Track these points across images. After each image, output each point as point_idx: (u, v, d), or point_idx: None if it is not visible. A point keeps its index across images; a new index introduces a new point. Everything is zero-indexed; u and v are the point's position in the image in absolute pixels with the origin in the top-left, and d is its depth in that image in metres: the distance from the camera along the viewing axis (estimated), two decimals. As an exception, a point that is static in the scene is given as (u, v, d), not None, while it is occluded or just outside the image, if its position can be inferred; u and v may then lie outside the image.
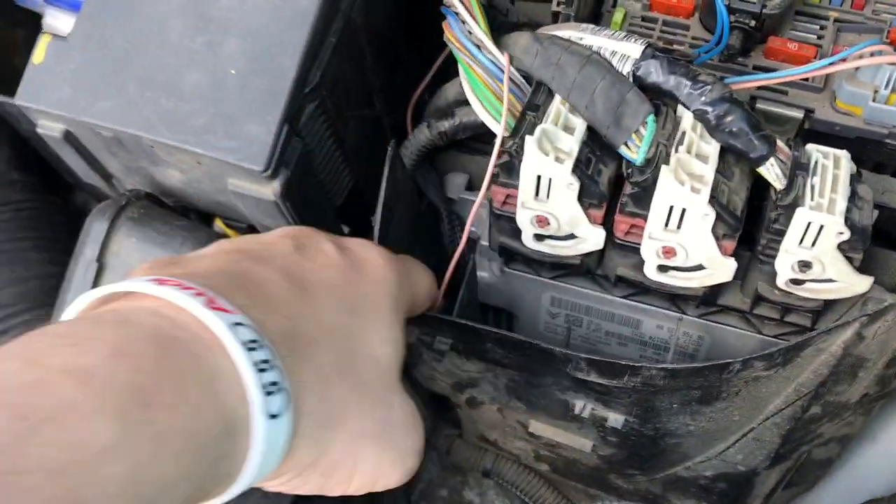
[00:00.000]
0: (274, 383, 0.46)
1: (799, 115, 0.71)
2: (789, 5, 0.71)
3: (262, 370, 0.46)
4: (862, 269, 0.68)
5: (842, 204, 0.59)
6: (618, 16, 0.76)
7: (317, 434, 0.52)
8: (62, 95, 0.63)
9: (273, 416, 0.46)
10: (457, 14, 0.67)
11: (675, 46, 0.74)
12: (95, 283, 0.65)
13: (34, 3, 0.74)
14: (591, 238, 0.66)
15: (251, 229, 0.72)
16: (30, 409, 0.37)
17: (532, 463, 0.96)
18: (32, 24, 0.73)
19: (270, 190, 0.62)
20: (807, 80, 0.70)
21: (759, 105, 0.71)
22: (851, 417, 0.77)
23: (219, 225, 0.77)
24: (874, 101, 0.67)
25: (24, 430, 0.36)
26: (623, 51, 0.63)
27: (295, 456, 0.51)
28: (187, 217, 0.71)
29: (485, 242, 0.75)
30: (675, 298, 0.70)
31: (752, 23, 0.70)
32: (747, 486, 0.85)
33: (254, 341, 0.46)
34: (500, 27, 0.76)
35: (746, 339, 0.71)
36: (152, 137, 0.61)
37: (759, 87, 0.70)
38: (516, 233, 0.68)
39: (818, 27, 0.73)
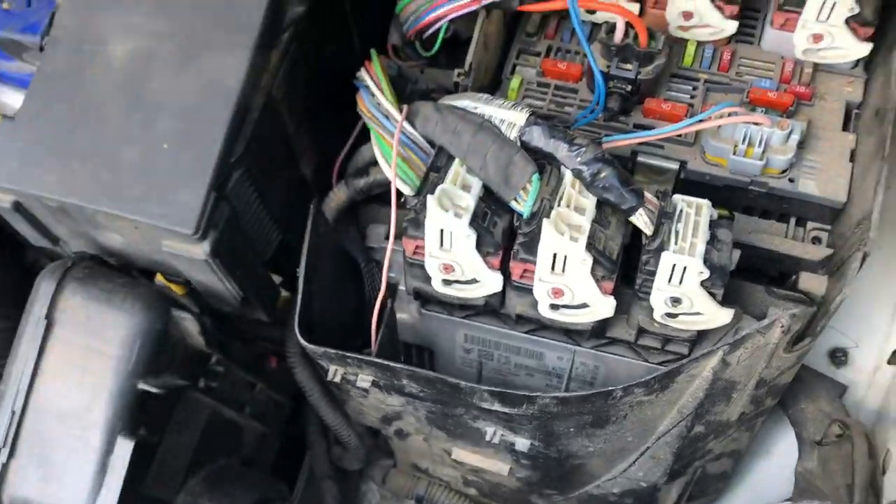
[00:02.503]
0: None
1: (674, 166, 0.80)
2: (662, 71, 0.81)
3: None
4: (731, 301, 0.77)
5: (701, 247, 0.68)
6: (515, 82, 0.85)
7: None
8: (11, 170, 0.70)
9: None
10: (367, 87, 0.76)
11: (566, 108, 0.84)
12: (45, 339, 0.72)
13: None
14: (491, 282, 0.74)
15: (189, 283, 0.80)
16: None
17: (461, 488, 1.04)
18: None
19: (201, 250, 0.69)
20: (680, 136, 0.80)
21: (640, 158, 0.81)
22: (736, 434, 0.86)
23: (160, 280, 0.84)
24: (734, 154, 0.77)
25: None
26: (510, 119, 0.72)
27: None
28: (130, 275, 0.78)
29: (403, 287, 0.83)
30: (570, 332, 0.79)
31: (629, 87, 0.80)
32: (651, 500, 0.94)
33: None
34: (410, 94, 0.85)
35: (635, 367, 0.79)
36: (94, 207, 0.68)
37: (640, 143, 0.80)
38: (428, 279, 0.76)
39: (691, 87, 0.83)
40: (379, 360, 0.74)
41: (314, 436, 1.07)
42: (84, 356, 0.71)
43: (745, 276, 0.79)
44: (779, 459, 0.99)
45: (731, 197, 0.81)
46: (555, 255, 0.70)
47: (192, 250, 0.69)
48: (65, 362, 0.72)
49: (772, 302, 0.77)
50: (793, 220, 0.81)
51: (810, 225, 0.81)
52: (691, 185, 0.81)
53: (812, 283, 0.77)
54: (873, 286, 0.96)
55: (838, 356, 0.97)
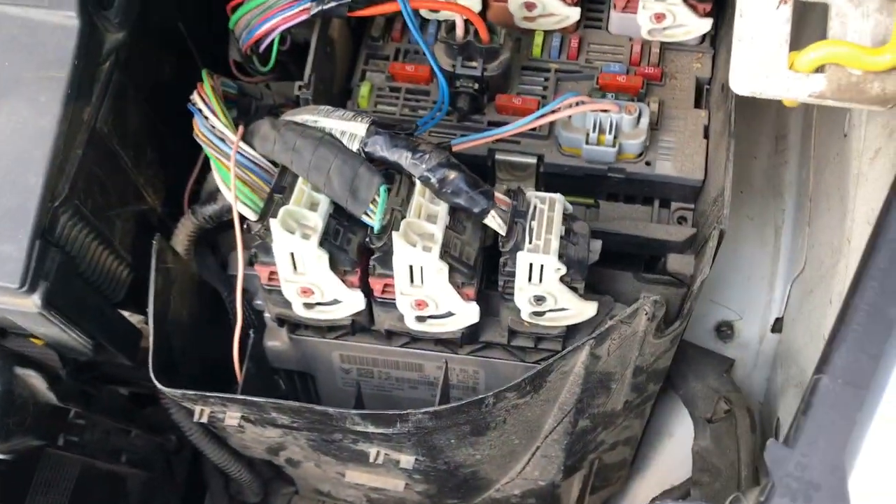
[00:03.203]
0: None
1: (532, 160, 0.79)
2: (509, 65, 0.79)
3: None
4: (602, 291, 0.76)
5: (555, 243, 0.67)
6: (364, 89, 0.82)
7: None
8: None
9: None
10: (200, 111, 0.72)
11: (419, 111, 0.81)
12: None
13: None
14: (353, 301, 0.71)
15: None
16: None
17: (366, 508, 1.01)
18: None
19: (31, 302, 0.65)
20: (534, 129, 0.78)
21: (498, 156, 0.79)
22: (626, 422, 0.85)
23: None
24: (587, 143, 0.76)
25: None
26: (352, 130, 0.69)
27: None
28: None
29: (268, 315, 0.80)
30: (443, 341, 0.76)
31: (476, 86, 0.78)
32: (553, 498, 0.92)
33: None
34: (256, 111, 0.82)
35: (513, 368, 0.77)
36: None
37: (495, 141, 0.78)
38: (289, 304, 0.73)
39: (542, 79, 0.82)
40: (241, 397, 0.71)
41: (210, 473, 1.03)
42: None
43: (621, 263, 0.78)
44: (680, 440, 0.99)
45: (592, 185, 0.80)
46: (411, 267, 0.67)
47: (23, 304, 0.65)
48: None
49: (642, 287, 0.76)
50: (656, 203, 0.81)
51: (674, 205, 0.80)
52: (552, 177, 0.80)
53: (679, 263, 0.77)
54: (750, 257, 0.96)
55: (724, 330, 0.97)
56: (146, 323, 0.86)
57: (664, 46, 0.82)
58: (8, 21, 0.67)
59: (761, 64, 0.59)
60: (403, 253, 0.66)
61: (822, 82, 0.59)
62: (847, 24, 0.59)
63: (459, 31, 0.76)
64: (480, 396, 0.69)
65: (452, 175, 0.67)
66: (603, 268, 0.75)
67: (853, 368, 0.44)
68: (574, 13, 0.80)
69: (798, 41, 0.60)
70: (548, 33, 0.83)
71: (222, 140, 0.71)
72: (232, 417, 0.74)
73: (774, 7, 0.60)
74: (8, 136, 0.65)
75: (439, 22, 0.83)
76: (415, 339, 0.77)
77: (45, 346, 0.79)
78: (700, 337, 0.97)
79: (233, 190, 0.69)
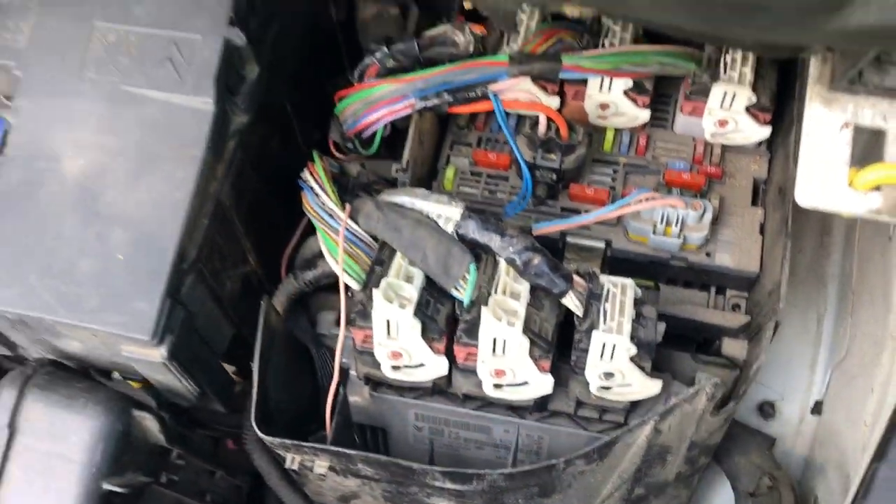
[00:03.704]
0: None
1: (601, 245, 0.86)
2: (584, 160, 0.87)
3: None
4: (661, 368, 0.83)
5: (628, 325, 0.74)
6: (450, 172, 0.91)
7: None
8: (-30, 286, 0.73)
9: None
10: (311, 188, 0.81)
11: (497, 194, 0.90)
12: (8, 446, 0.74)
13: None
14: (437, 366, 0.79)
15: (146, 381, 0.83)
16: None
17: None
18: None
19: (158, 354, 0.73)
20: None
21: (569, 239, 0.87)
22: (675, 492, 0.91)
23: (117, 376, 0.87)
24: (654, 233, 0.84)
25: None
26: (447, 214, 0.78)
27: None
28: (89, 377, 0.81)
29: (354, 372, 0.87)
30: (514, 407, 0.83)
31: (554, 176, 0.86)
32: (603, 559, 0.97)
33: None
34: (352, 186, 0.90)
35: (576, 437, 0.84)
36: (52, 318, 0.71)
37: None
38: (377, 364, 0.81)
39: (612, 171, 0.90)
40: (334, 448, 0.78)
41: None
42: (48, 462, 0.74)
43: (675, 343, 0.85)
44: (720, 509, 1.05)
45: (655, 270, 0.87)
46: (495, 340, 0.75)
47: (151, 354, 0.73)
48: (29, 469, 0.74)
49: (698, 367, 0.83)
50: (713, 290, 0.88)
51: (729, 293, 0.88)
52: (618, 261, 0.87)
53: (734, 348, 0.84)
54: (793, 342, 1.03)
55: (766, 409, 1.03)
56: (235, 373, 0.94)
57: (725, 147, 0.90)
58: (151, 104, 0.77)
59: (824, 181, 0.67)
60: (490, 326, 0.73)
61: (878, 200, 0.66)
62: (901, 149, 0.67)
63: (542, 127, 0.85)
64: (552, 461, 0.75)
65: (536, 259, 0.75)
66: (662, 348, 0.83)
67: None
68: (644, 114, 0.89)
69: (860, 160, 0.68)
70: (618, 130, 0.91)
71: (331, 216, 0.79)
72: (321, 466, 0.81)
73: (837, 130, 0.68)
74: (149, 206, 0.73)
75: (520, 117, 0.92)
76: (488, 403, 0.84)
77: (141, 390, 0.87)
78: (743, 414, 1.04)
79: (340, 262, 0.77)
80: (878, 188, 0.67)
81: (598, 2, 0.69)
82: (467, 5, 0.88)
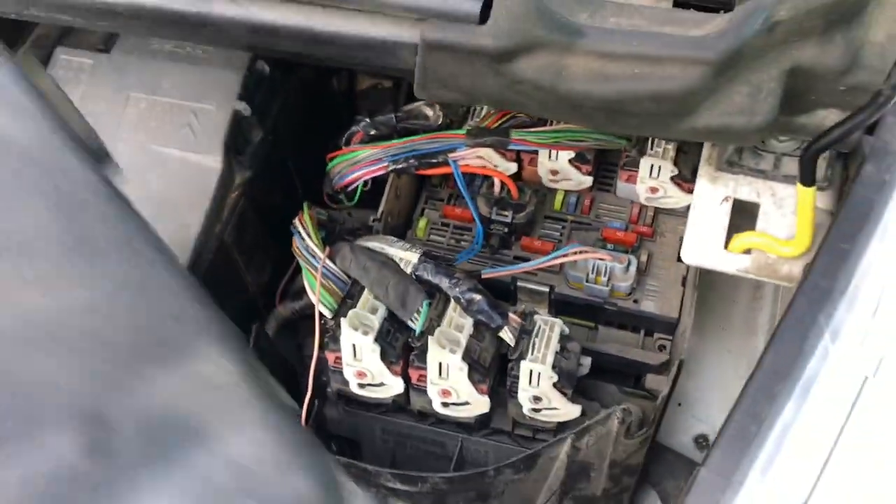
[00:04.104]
0: None
1: (545, 289, 1.01)
2: (533, 216, 1.03)
3: None
4: (590, 398, 0.97)
5: (551, 357, 0.89)
6: (422, 223, 1.07)
7: None
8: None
9: None
10: (299, 233, 0.97)
11: (461, 243, 1.05)
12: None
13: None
14: (395, 385, 0.94)
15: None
16: None
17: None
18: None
19: (164, 363, 0.89)
20: (549, 266, 1.01)
21: (519, 283, 1.02)
22: (605, 507, 1.05)
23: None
24: (587, 281, 0.98)
25: None
26: (407, 258, 0.94)
27: None
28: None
29: (330, 389, 1.03)
30: (462, 425, 0.98)
31: (506, 230, 1.01)
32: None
33: None
34: (339, 231, 1.07)
35: (514, 452, 0.98)
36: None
37: (519, 272, 1.01)
38: (346, 382, 0.96)
39: (560, 227, 1.05)
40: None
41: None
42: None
43: (611, 378, 0.99)
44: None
45: (593, 313, 1.02)
46: (440, 364, 0.90)
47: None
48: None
49: (622, 398, 0.97)
50: (642, 332, 1.02)
51: (656, 335, 1.01)
52: (562, 304, 1.02)
53: (654, 382, 0.98)
54: (727, 383, 1.16)
55: (700, 441, 1.15)
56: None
57: (658, 210, 1.04)
58: (171, 160, 0.94)
59: (705, 243, 0.82)
60: (435, 353, 0.89)
61: (747, 261, 0.80)
62: (770, 221, 0.81)
63: (496, 188, 1.01)
64: (484, 469, 0.90)
65: (477, 298, 0.91)
66: (596, 380, 0.97)
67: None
68: (587, 180, 1.04)
69: (737, 227, 0.83)
70: (567, 192, 1.06)
71: (313, 256, 0.96)
72: (295, 466, 0.96)
73: (719, 202, 0.83)
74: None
75: (484, 178, 1.07)
76: (440, 420, 0.98)
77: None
78: (683, 445, 1.16)
79: (317, 294, 0.93)
80: (748, 251, 0.81)
81: (512, 106, 0.85)
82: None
